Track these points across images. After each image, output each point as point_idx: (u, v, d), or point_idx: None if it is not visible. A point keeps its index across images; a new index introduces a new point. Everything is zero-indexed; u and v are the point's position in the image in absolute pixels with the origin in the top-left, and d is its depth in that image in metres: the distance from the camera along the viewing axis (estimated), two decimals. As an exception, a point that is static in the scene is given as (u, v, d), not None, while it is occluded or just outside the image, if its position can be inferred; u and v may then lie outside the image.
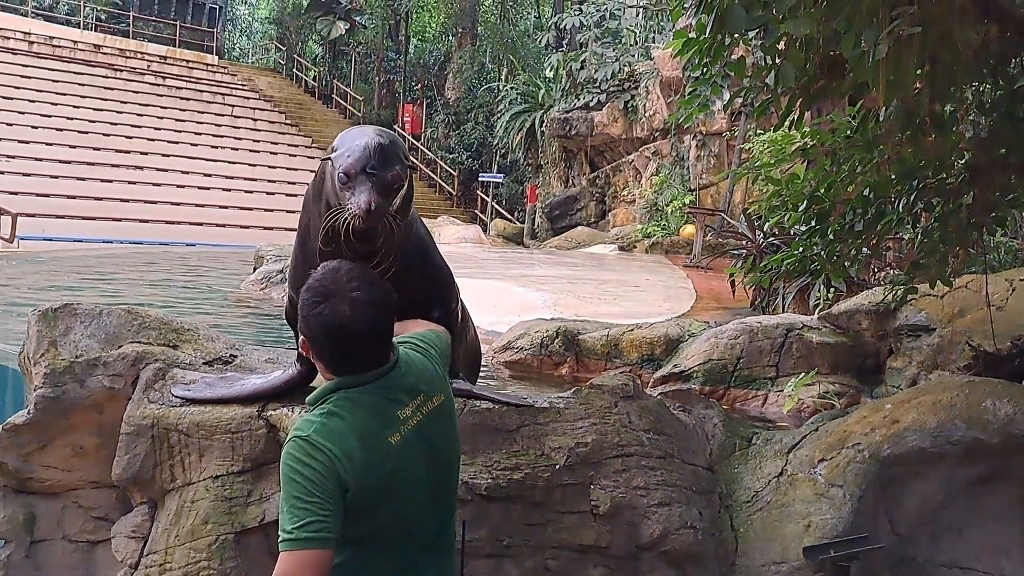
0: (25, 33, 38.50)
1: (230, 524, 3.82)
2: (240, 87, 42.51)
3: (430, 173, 39.28)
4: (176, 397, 4.04)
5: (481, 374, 4.66)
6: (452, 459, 2.86)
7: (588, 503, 3.80)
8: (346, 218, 3.29)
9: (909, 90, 4.04)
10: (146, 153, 32.92)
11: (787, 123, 4.61)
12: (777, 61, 4.08)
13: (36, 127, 31.78)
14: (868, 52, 3.43)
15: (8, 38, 37.55)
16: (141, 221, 28.09)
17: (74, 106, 34.55)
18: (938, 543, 4.23)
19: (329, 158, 3.48)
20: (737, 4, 3.57)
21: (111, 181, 30.14)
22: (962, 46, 3.81)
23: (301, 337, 2.81)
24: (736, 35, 3.95)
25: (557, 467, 3.74)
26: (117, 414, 4.14)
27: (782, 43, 4.00)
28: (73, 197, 28.15)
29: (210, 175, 33.19)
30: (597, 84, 27.62)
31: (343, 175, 3.35)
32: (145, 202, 29.45)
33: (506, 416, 3.80)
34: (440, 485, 2.78)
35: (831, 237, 5.18)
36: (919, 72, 3.98)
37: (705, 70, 4.29)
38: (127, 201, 29.10)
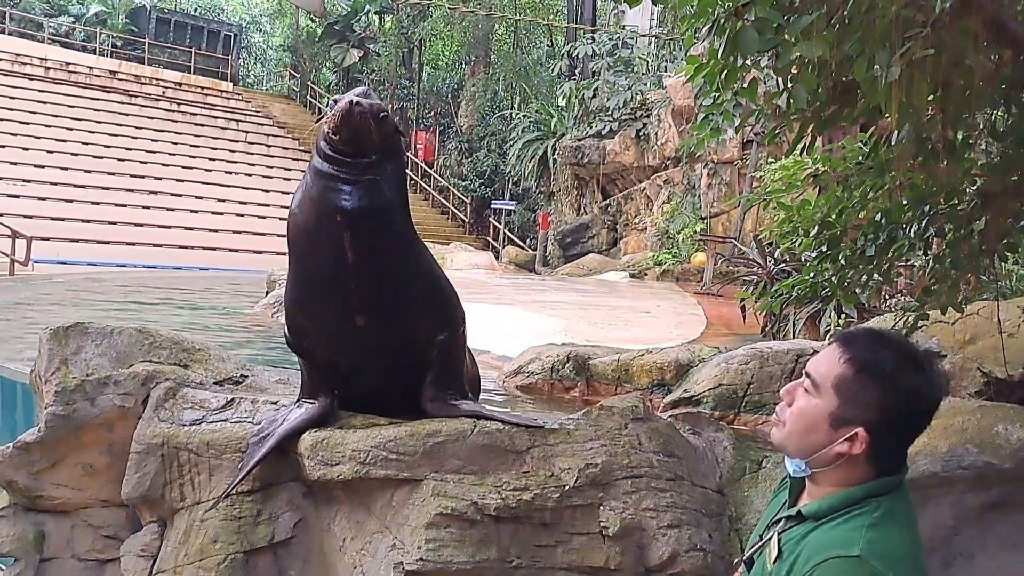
0: (41, 59, 38.95)
1: (239, 543, 3.82)
2: (254, 113, 42.85)
3: (443, 200, 39.44)
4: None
5: (493, 396, 4.65)
6: None
7: (597, 524, 3.77)
8: (332, 116, 3.56)
9: (921, 115, 4.04)
10: (160, 178, 33.24)
11: (799, 149, 4.60)
12: (790, 85, 4.08)
13: (52, 152, 32.13)
14: (881, 75, 3.43)
15: (25, 64, 38.01)
16: (155, 245, 28.33)
17: (89, 131, 34.91)
18: (949, 569, 4.19)
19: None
20: (750, 26, 3.57)
21: (125, 206, 30.43)
22: (975, 71, 3.81)
23: (851, 428, 2.34)
24: (748, 58, 3.95)
25: (567, 488, 3.72)
26: (127, 433, 4.16)
27: (794, 67, 4.00)
28: (87, 221, 28.42)
29: (224, 200, 33.45)
30: (609, 112, 27.72)
31: (331, 102, 3.62)
32: (159, 227, 29.73)
33: (516, 437, 3.79)
34: None
35: (842, 263, 5.16)
36: (931, 97, 3.98)
37: (717, 95, 4.29)
38: (141, 226, 29.37)
